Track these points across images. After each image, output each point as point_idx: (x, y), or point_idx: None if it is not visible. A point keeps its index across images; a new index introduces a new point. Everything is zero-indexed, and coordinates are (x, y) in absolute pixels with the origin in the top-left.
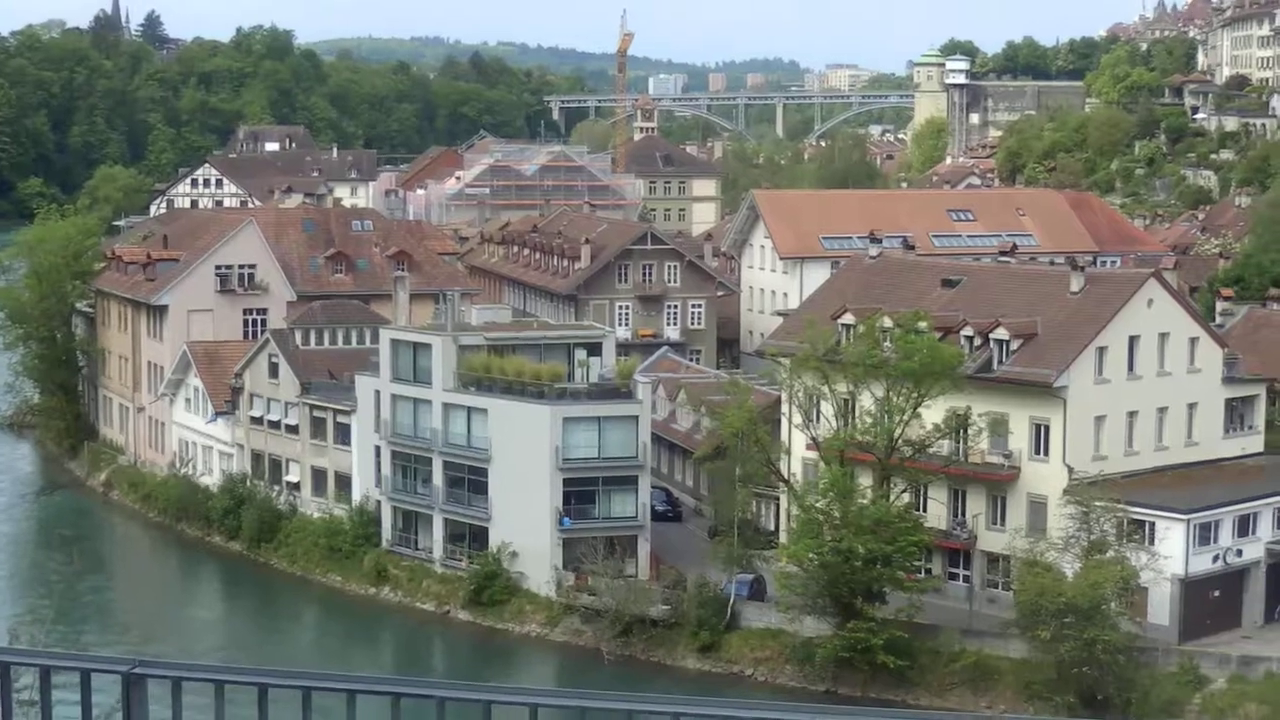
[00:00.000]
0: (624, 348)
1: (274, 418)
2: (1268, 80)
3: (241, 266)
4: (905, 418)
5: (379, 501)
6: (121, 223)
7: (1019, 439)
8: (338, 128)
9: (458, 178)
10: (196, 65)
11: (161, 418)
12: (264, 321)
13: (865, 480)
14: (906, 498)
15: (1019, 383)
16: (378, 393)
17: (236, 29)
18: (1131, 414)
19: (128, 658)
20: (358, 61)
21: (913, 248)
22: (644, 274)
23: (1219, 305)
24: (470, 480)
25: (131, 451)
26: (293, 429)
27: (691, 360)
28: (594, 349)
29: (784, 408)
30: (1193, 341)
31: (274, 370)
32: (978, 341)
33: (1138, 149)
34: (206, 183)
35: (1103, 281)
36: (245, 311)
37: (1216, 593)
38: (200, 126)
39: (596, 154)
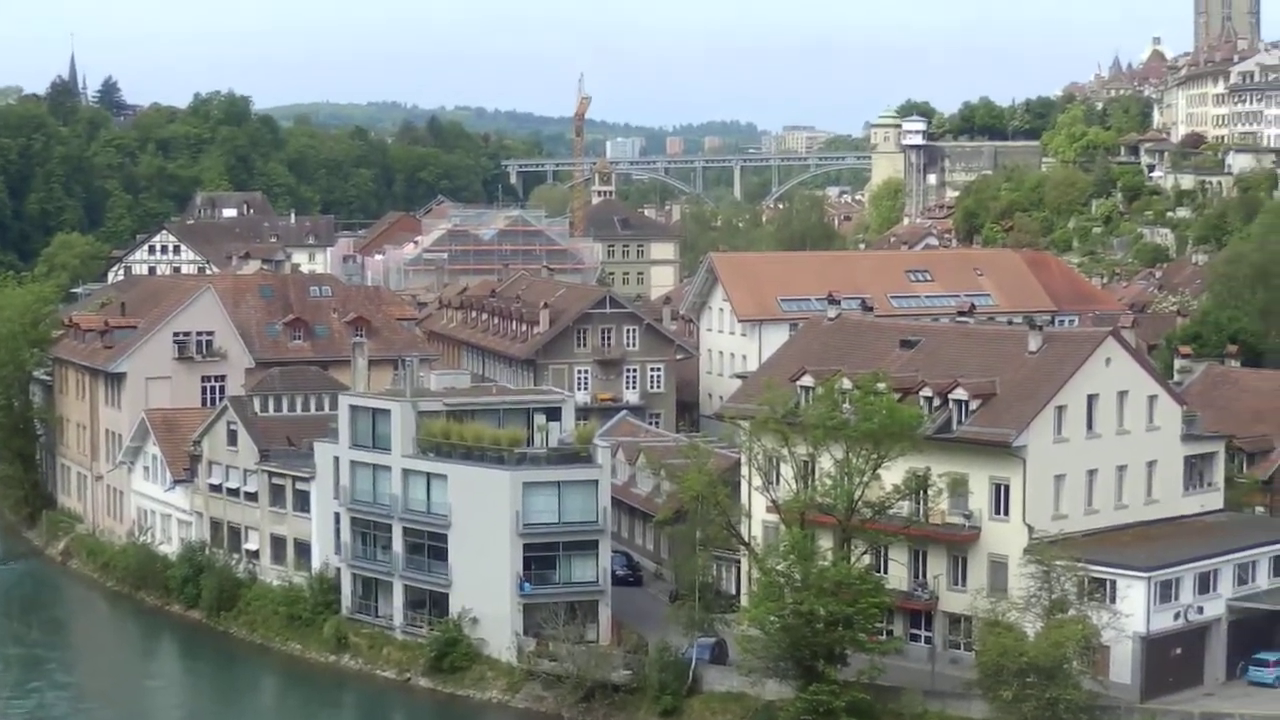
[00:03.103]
0: (583, 412)
1: (233, 485)
2: (1223, 138)
3: (199, 333)
4: (865, 479)
5: (338, 568)
6: (79, 290)
7: (979, 499)
8: (295, 193)
9: (416, 243)
10: (154, 131)
11: (120, 486)
12: (222, 389)
13: (826, 542)
14: (867, 559)
15: (978, 443)
16: (337, 459)
17: (194, 95)
18: (1091, 472)
19: None
20: (315, 127)
21: (871, 309)
22: (602, 338)
23: (1177, 363)
24: (430, 546)
25: (90, 520)
26: (251, 496)
27: (651, 424)
28: (553, 413)
29: (744, 470)
30: (1151, 399)
31: (232, 437)
32: (936, 402)
33: (1094, 208)
34: (164, 249)
35: (1061, 340)
36: (203, 379)
37: (1178, 650)
38: (158, 193)
39: (554, 218)
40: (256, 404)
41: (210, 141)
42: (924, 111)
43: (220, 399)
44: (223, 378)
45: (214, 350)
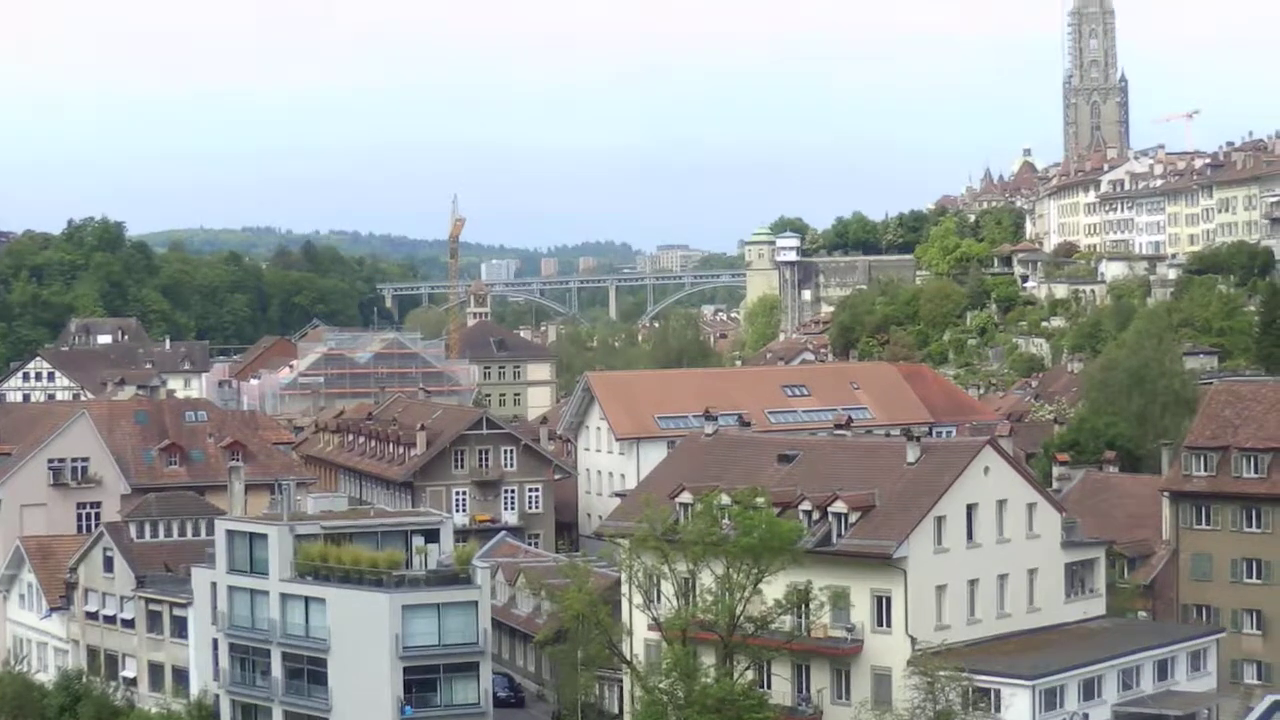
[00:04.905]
0: (462, 533)
1: (109, 612)
2: (1095, 247)
3: (74, 460)
4: (746, 594)
5: (217, 695)
6: None
7: (861, 611)
8: (170, 319)
9: (291, 367)
10: (27, 258)
11: None
12: (98, 515)
13: (708, 659)
14: (750, 675)
15: (858, 555)
16: (214, 584)
17: (68, 221)
18: (972, 582)
19: None
20: (189, 252)
21: (748, 424)
22: (480, 459)
23: (1055, 470)
24: (310, 671)
25: None
26: (129, 623)
27: (530, 544)
28: (431, 535)
29: (624, 588)
30: (1030, 507)
31: (109, 564)
32: (816, 515)
33: (969, 319)
34: (38, 376)
35: (939, 451)
36: (79, 505)
37: None
38: (32, 320)
39: (430, 340)
40: (133, 530)
41: (84, 268)
42: (797, 228)
43: (96, 525)
44: (98, 504)
45: (89, 476)
